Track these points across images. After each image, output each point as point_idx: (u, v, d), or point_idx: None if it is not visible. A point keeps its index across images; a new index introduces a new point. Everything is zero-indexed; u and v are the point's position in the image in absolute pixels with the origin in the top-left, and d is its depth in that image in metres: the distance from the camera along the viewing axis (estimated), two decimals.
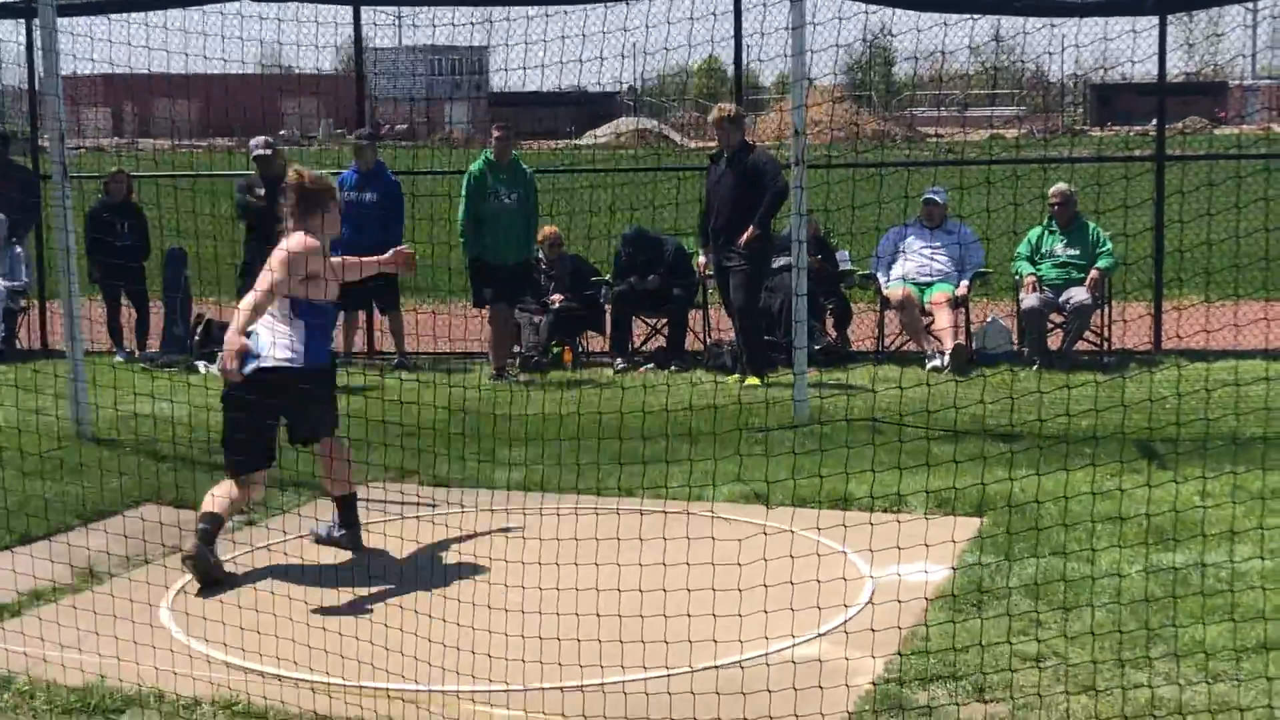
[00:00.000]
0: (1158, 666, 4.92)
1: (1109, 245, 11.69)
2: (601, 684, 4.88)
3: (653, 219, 12.60)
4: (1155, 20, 12.17)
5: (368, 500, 7.15)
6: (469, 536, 6.83)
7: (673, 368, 11.79)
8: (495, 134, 11.75)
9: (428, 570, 6.28)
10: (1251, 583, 5.67)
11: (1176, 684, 4.77)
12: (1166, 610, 5.38)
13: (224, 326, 12.32)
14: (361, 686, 4.94)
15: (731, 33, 12.30)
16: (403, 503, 7.37)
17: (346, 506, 6.67)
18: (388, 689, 4.92)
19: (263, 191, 11.34)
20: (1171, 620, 5.26)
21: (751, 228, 10.74)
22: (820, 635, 5.41)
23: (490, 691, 4.90)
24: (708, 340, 12.45)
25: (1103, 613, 5.42)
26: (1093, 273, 11.53)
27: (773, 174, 10.75)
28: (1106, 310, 11.91)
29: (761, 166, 10.86)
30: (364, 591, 5.98)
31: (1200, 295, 12.68)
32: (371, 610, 5.75)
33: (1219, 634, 5.15)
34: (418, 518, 7.03)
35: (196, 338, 12.67)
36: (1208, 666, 4.88)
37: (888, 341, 12.38)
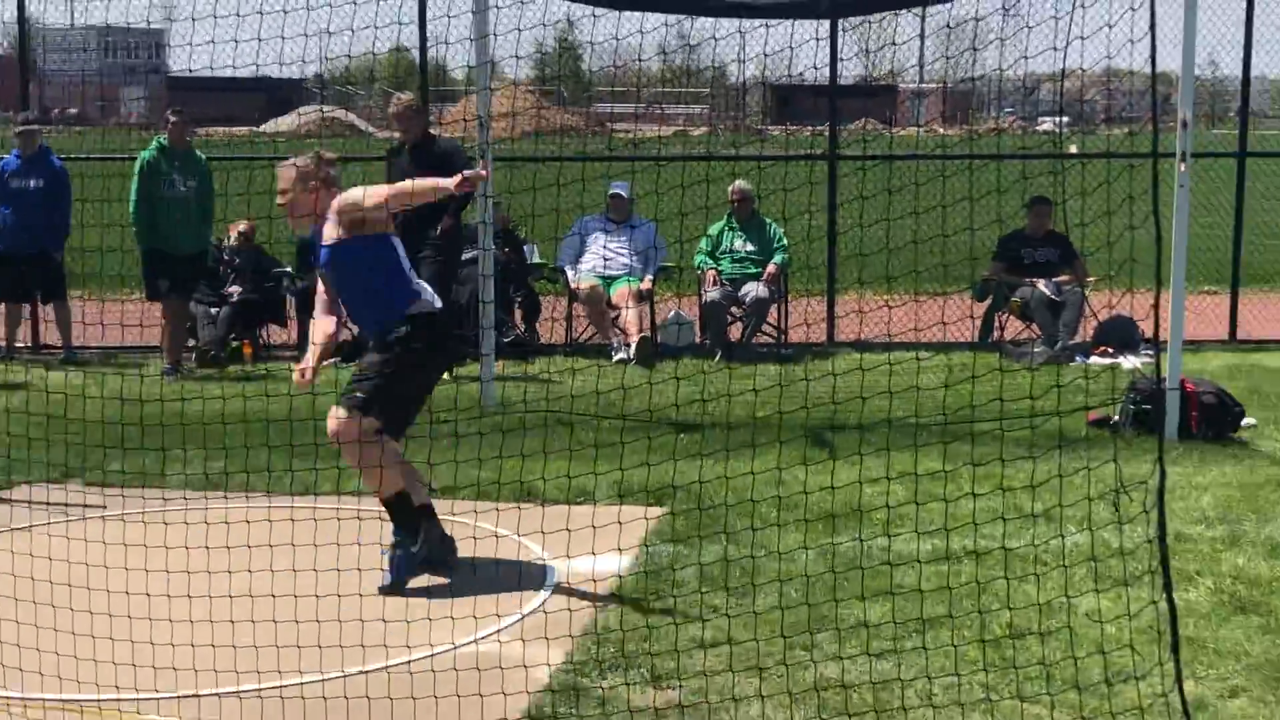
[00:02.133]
0: (824, 646, 5.12)
1: (784, 241, 12.13)
2: (278, 687, 4.77)
3: None
4: (828, 23, 12.63)
5: (29, 503, 6.79)
6: (138, 538, 6.56)
7: (358, 362, 11.60)
8: (170, 119, 11.34)
9: (93, 574, 5.99)
10: (911, 561, 5.95)
11: (840, 661, 4.97)
12: (832, 591, 5.60)
13: None
14: (10, 698, 4.69)
15: (417, 18, 12.21)
16: (67, 505, 7.03)
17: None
18: (43, 700, 4.68)
19: None
20: (835, 599, 5.48)
21: (446, 217, 10.67)
22: (501, 629, 5.41)
23: (160, 699, 4.73)
24: None
25: (772, 596, 5.60)
26: (769, 267, 11.93)
27: (463, 163, 10.69)
28: (783, 303, 12.33)
29: (450, 155, 10.75)
30: (21, 596, 5.67)
31: (870, 289, 13.25)
32: (30, 616, 5.45)
33: (880, 613, 5.39)
34: (84, 520, 6.71)
35: None
36: (869, 644, 5.10)
37: (575, 334, 12.51)
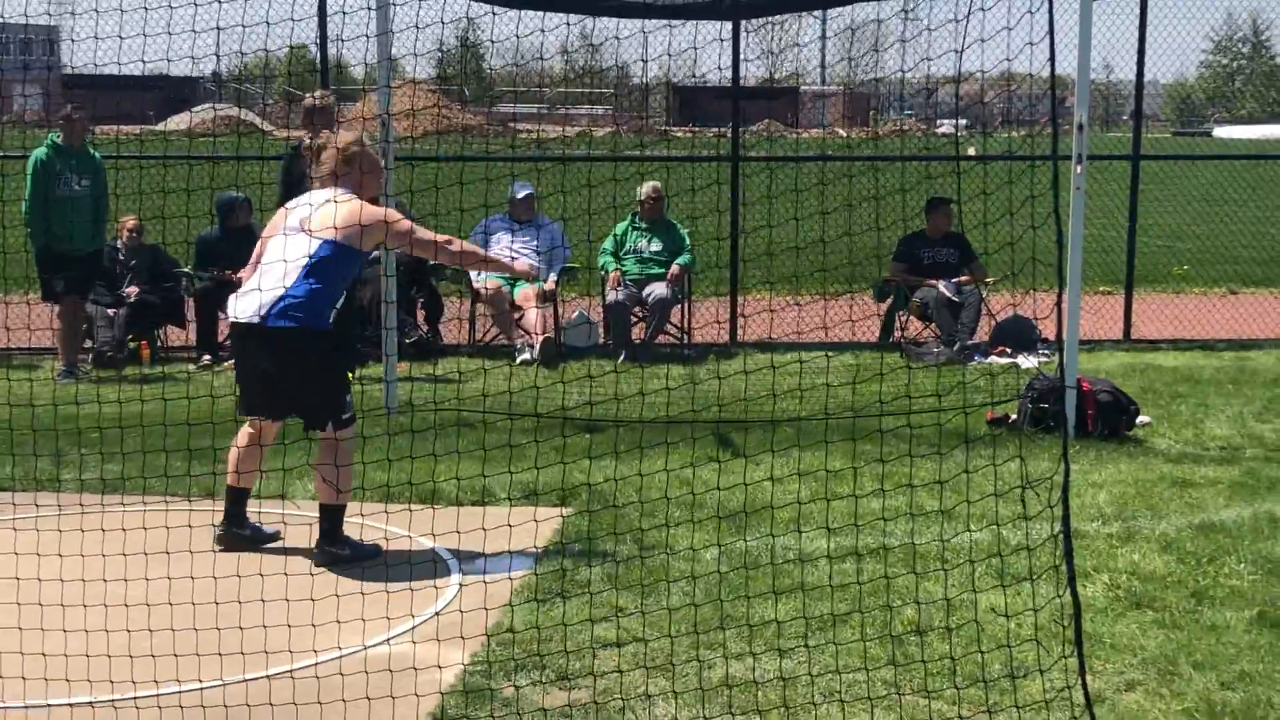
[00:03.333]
0: (731, 644, 5.14)
1: (688, 242, 12.16)
2: (179, 693, 4.70)
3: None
4: (730, 25, 12.69)
5: None
6: (33, 543, 6.43)
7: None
8: (73, 117, 11.11)
9: None
10: (816, 559, 6.00)
11: (748, 659, 4.99)
12: (739, 589, 5.62)
13: None
14: None
15: (315, 14, 12.08)
16: None
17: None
18: None
19: None
20: (734, 596, 5.50)
21: None
22: (404, 632, 5.37)
23: (54, 705, 4.63)
24: None
25: (679, 595, 5.62)
26: (673, 268, 11.96)
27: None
28: (686, 304, 12.36)
29: None
30: None
31: (772, 290, 13.34)
32: None
33: (788, 610, 5.42)
34: None
35: None
36: (778, 642, 5.13)
37: (479, 335, 12.45)
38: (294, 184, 10.89)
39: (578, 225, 12.25)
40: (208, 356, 11.56)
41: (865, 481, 6.93)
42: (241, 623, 4.84)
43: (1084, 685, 4.48)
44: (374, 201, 6.41)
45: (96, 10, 6.59)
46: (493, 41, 6.17)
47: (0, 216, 10.04)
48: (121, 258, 11.78)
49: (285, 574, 5.27)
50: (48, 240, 10.81)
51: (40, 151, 10.91)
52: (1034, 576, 5.50)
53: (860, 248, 6.50)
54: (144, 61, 6.33)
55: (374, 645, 5.16)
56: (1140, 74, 13.07)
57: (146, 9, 6.22)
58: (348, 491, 6.25)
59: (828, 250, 5.77)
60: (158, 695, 4.69)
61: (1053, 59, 4.13)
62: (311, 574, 6.04)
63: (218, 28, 6.37)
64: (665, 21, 10.04)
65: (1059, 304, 4.68)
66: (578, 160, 13.43)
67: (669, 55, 5.99)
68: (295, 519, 6.74)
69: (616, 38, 6.06)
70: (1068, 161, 8.47)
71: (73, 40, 6.74)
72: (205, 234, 11.95)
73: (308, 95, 11.22)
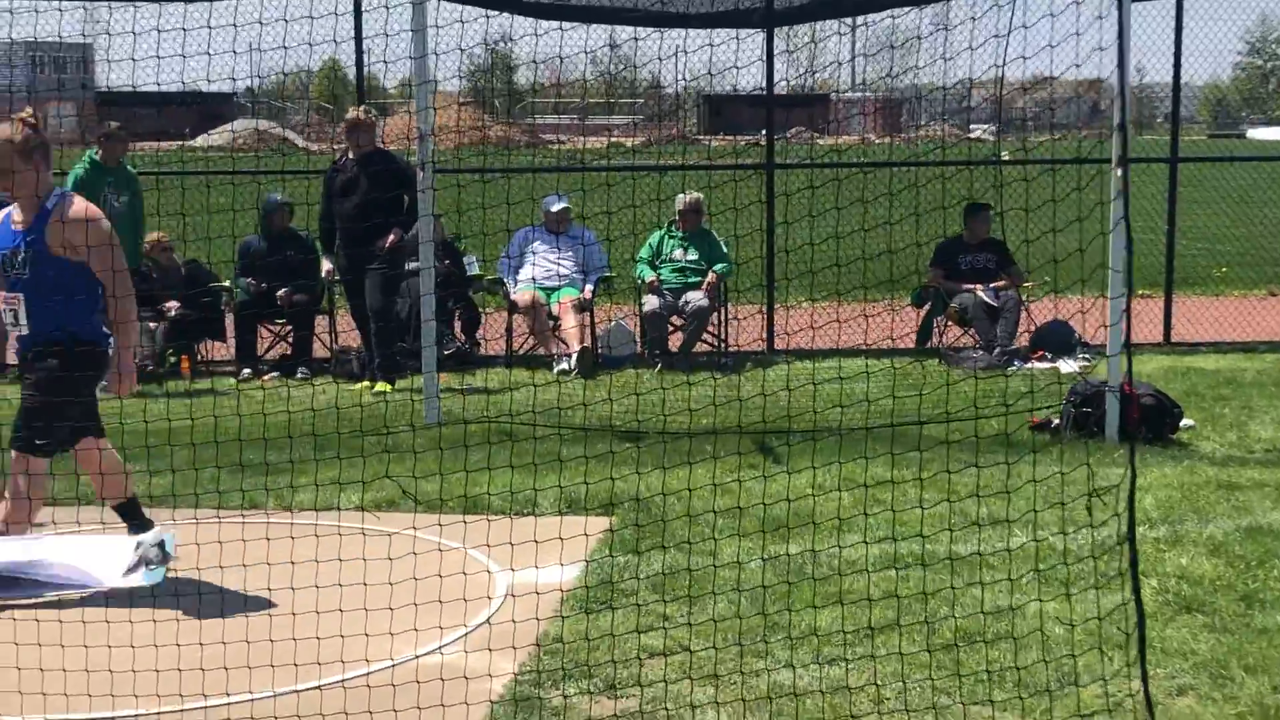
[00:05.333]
0: (775, 653, 5.12)
1: (725, 250, 12.15)
2: (227, 704, 4.72)
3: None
4: (762, 33, 12.66)
5: None
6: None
7: (300, 375, 11.53)
8: (120, 135, 11.21)
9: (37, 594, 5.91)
10: (859, 568, 5.98)
11: (792, 668, 4.98)
12: (783, 598, 5.61)
13: None
14: None
15: (352, 33, 12.12)
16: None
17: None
18: None
19: None
20: (788, 607, 5.49)
21: (396, 231, 10.67)
22: (453, 641, 5.38)
23: (124, 717, 4.66)
24: (334, 346, 12.23)
25: (724, 603, 5.61)
26: (709, 276, 11.95)
27: (415, 178, 10.66)
28: (723, 312, 12.35)
29: (403, 171, 10.70)
30: None
31: (807, 296, 13.30)
32: None
33: (830, 619, 5.40)
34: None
35: None
36: (821, 650, 5.11)
37: (516, 345, 12.47)
38: (333, 196, 10.98)
39: (615, 236, 12.23)
40: (247, 370, 11.61)
41: (910, 489, 6.90)
42: (294, 633, 4.85)
43: (1145, 690, 4.46)
44: (36, 189, 6.15)
45: (134, 32, 6.65)
46: (535, 62, 6.17)
47: None
48: (155, 275, 11.81)
49: (339, 585, 5.28)
50: None
51: (78, 169, 10.99)
52: (1083, 583, 5.46)
53: (900, 254, 6.47)
54: (183, 82, 6.41)
55: (420, 655, 5.17)
56: (1177, 76, 12.99)
57: (185, 30, 6.28)
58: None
59: (866, 256, 5.76)
60: (205, 708, 4.71)
61: (1122, 68, 4.12)
62: (363, 584, 6.06)
63: (252, 49, 6.43)
64: (705, 37, 10.00)
65: (1127, 309, 4.65)
66: (604, 170, 13.42)
67: (710, 73, 5.96)
68: (349, 530, 6.76)
69: (659, 59, 6.06)
70: (1106, 165, 8.42)
71: (109, 61, 6.83)
72: (247, 240, 12.03)
73: (350, 110, 11.29)
